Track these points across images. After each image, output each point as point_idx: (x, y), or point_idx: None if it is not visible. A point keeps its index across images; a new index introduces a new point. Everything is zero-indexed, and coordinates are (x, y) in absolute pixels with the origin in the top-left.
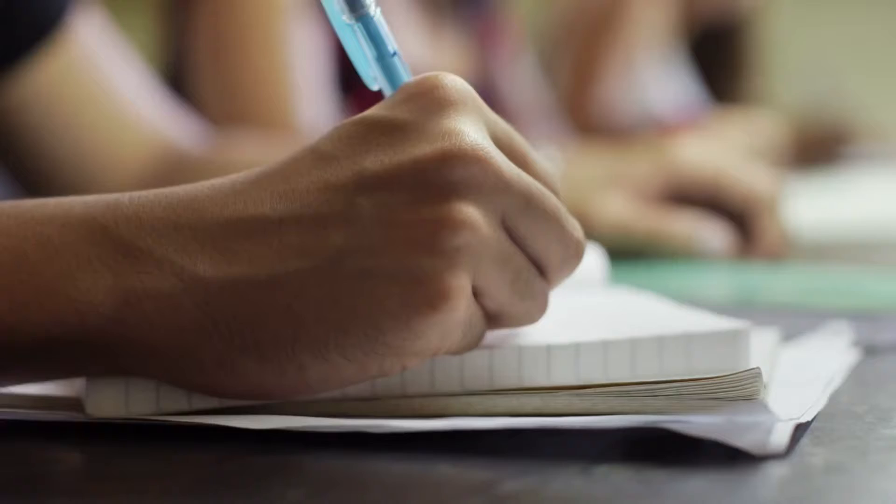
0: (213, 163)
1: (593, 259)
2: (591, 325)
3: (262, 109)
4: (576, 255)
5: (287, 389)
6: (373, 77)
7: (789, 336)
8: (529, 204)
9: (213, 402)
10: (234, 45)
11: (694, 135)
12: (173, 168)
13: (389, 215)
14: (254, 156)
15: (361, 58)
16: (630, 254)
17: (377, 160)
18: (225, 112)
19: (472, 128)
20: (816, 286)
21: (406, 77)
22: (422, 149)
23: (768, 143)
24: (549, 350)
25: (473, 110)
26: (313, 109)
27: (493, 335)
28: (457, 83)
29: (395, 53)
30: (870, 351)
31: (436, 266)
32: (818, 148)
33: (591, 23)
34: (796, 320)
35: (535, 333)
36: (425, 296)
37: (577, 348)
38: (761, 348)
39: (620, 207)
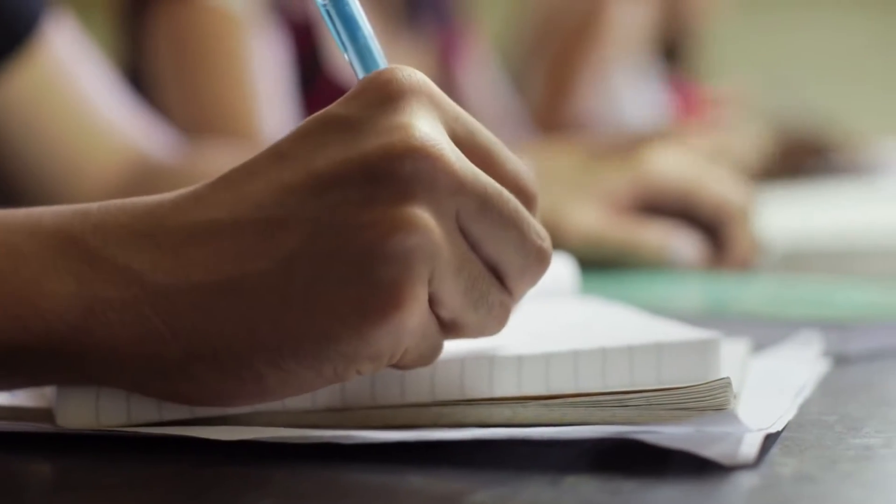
0: (184, 172)
1: (564, 269)
2: (562, 335)
3: (226, 121)
4: (538, 264)
5: (247, 396)
6: (349, 61)
7: (760, 346)
8: (485, 205)
9: (184, 413)
10: (195, 58)
11: (668, 144)
12: (145, 178)
13: (341, 217)
14: (225, 165)
15: (337, 41)
16: (601, 264)
17: (328, 158)
18: (190, 124)
19: (423, 122)
20: (787, 296)
21: (379, 63)
22: (370, 144)
23: (749, 153)
24: (519, 360)
25: (428, 104)
26: (277, 118)
27: (464, 346)
28: (413, 76)
29: (367, 39)
30: (840, 360)
31: (387, 271)
32: (791, 159)
33: (567, 31)
34: (767, 330)
35: (506, 343)
36: (376, 302)
37: (547, 358)
38: (732, 358)
39: (592, 217)
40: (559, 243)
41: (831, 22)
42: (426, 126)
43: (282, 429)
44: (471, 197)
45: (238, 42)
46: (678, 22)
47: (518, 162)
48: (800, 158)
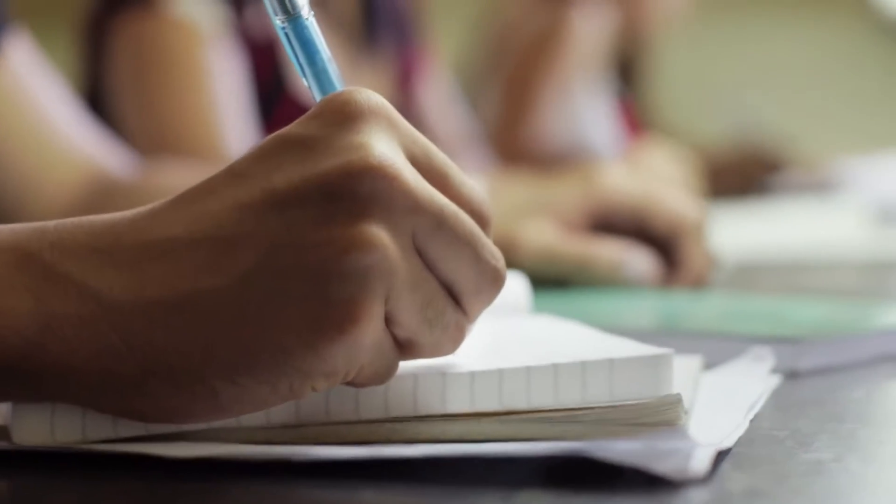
0: (142, 189)
1: (517, 288)
2: (515, 351)
3: (188, 140)
4: (492, 284)
5: (202, 413)
6: (306, 83)
7: (712, 362)
8: (442, 226)
9: (139, 430)
10: (158, 72)
11: (620, 163)
12: (103, 194)
13: (298, 235)
14: (183, 181)
15: (295, 61)
16: (555, 282)
17: (286, 177)
18: (151, 144)
19: (380, 142)
20: (740, 313)
21: (336, 85)
22: (328, 163)
23: (687, 174)
24: (472, 376)
25: (386, 125)
26: (238, 137)
27: (417, 361)
28: (371, 98)
29: (325, 61)
30: (791, 376)
31: (343, 289)
32: (742, 178)
33: (526, 45)
34: (719, 346)
35: (459, 359)
36: (332, 318)
37: (500, 374)
38: (684, 374)
39: (547, 234)
40: (514, 261)
41: (786, 37)
42: (384, 146)
43: (236, 445)
44: (427, 217)
45: (202, 56)
46: (634, 35)
47: (472, 184)
48: (753, 175)
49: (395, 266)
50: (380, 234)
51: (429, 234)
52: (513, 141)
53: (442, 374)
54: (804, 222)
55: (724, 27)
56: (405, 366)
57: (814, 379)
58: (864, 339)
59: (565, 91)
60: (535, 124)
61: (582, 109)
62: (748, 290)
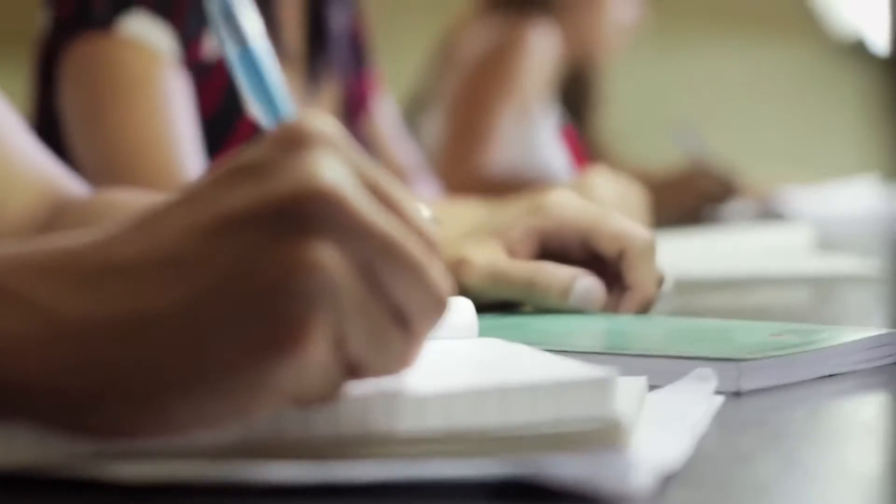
0: (99, 208)
1: (464, 312)
2: (463, 373)
3: (144, 169)
4: (438, 307)
5: (155, 430)
6: (257, 110)
7: (656, 383)
8: (390, 250)
9: (94, 448)
10: (110, 98)
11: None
12: (60, 214)
13: (249, 257)
14: (139, 201)
15: (246, 88)
16: (502, 306)
17: (238, 200)
18: (106, 173)
19: (331, 167)
20: (684, 333)
21: (287, 112)
22: (279, 187)
23: (635, 201)
24: (422, 398)
25: (336, 151)
26: (194, 161)
27: (368, 382)
28: (322, 124)
29: (276, 87)
30: (734, 396)
31: (291, 309)
32: (691, 195)
33: (478, 66)
34: (664, 367)
35: (409, 381)
36: (278, 339)
37: (449, 397)
38: (628, 396)
39: (496, 256)
40: (462, 283)
41: (737, 63)
42: (334, 171)
43: (189, 465)
44: (376, 241)
45: (158, 79)
46: (581, 60)
47: (420, 209)
48: (702, 191)
49: (342, 288)
50: (327, 256)
51: (377, 258)
52: (464, 166)
53: (392, 395)
54: (750, 247)
55: (672, 54)
56: (355, 386)
57: (756, 398)
58: (806, 359)
59: (521, 113)
60: (489, 148)
61: (538, 133)
62: (692, 312)
